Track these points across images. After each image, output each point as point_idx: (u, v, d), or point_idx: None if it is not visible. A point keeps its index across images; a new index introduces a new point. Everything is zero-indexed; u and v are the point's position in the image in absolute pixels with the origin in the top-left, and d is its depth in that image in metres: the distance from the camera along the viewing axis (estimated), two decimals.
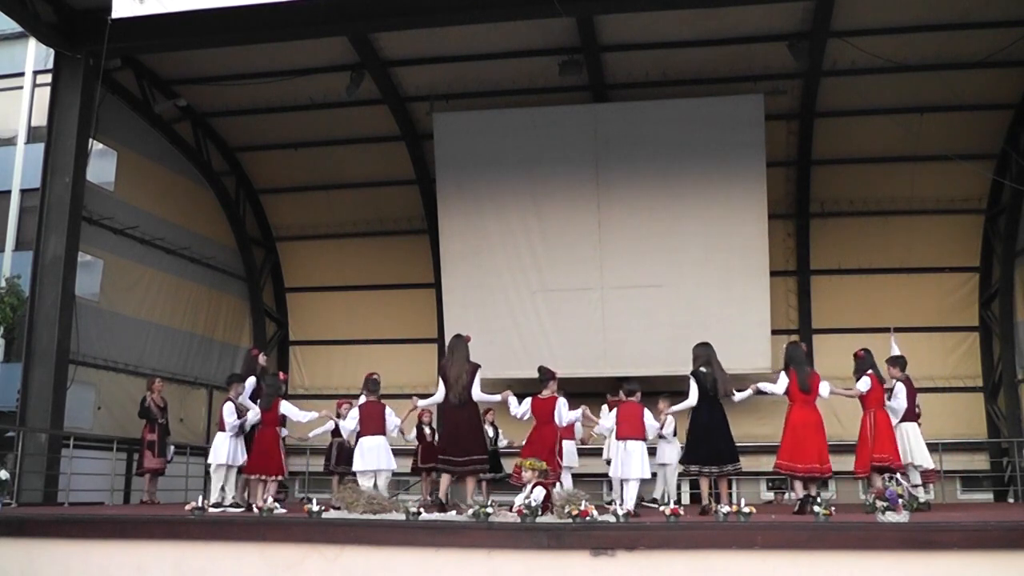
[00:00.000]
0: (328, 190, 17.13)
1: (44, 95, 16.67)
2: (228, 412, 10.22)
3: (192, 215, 16.06)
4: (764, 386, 9.80)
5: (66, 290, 12.35)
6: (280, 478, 10.14)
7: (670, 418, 11.04)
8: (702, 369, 9.66)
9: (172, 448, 12.66)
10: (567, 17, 11.96)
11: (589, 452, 12.10)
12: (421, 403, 10.18)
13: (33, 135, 22.97)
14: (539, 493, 8.07)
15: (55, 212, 12.48)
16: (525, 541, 6.82)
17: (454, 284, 15.71)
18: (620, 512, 7.10)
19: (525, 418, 9.87)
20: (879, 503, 6.66)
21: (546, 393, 9.76)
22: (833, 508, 7.09)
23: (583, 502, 7.16)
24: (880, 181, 15.48)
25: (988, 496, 15.01)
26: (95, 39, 11.83)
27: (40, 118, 20.86)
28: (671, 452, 11.07)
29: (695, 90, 14.61)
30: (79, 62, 12.58)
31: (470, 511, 7.34)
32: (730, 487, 10.61)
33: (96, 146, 13.45)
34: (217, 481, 10.12)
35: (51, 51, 13.13)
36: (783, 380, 9.64)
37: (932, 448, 14.39)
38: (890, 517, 6.60)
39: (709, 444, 9.47)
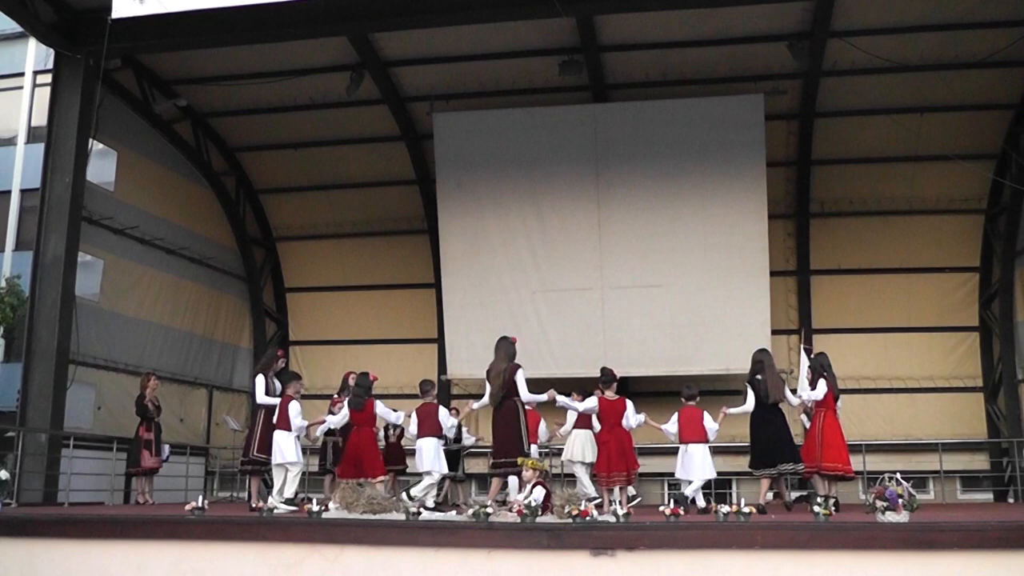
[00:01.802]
0: (328, 190, 17.13)
1: (44, 95, 16.66)
2: (295, 412, 9.84)
3: (192, 215, 16.07)
4: (808, 397, 10.08)
5: (66, 290, 12.35)
6: (382, 479, 9.88)
7: None
8: (757, 376, 9.83)
9: (167, 448, 12.64)
10: (567, 17, 11.95)
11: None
12: (475, 405, 10.07)
13: (33, 135, 22.95)
14: (539, 493, 8.07)
15: (55, 212, 12.48)
16: (525, 541, 6.82)
17: (454, 284, 15.71)
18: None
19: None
20: (879, 503, 6.66)
21: (610, 394, 9.82)
22: (833, 508, 7.09)
23: (583, 502, 7.16)
24: (880, 181, 15.49)
25: (988, 496, 15.00)
26: (95, 39, 11.86)
27: (40, 118, 20.84)
28: None
29: (695, 90, 14.62)
30: (79, 62, 12.58)
31: (470, 511, 7.34)
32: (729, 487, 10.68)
33: (96, 146, 13.45)
34: (292, 481, 9.77)
35: (51, 51, 13.14)
36: (822, 387, 9.93)
37: (932, 448, 14.56)
38: (890, 517, 6.59)
39: (774, 447, 9.69)
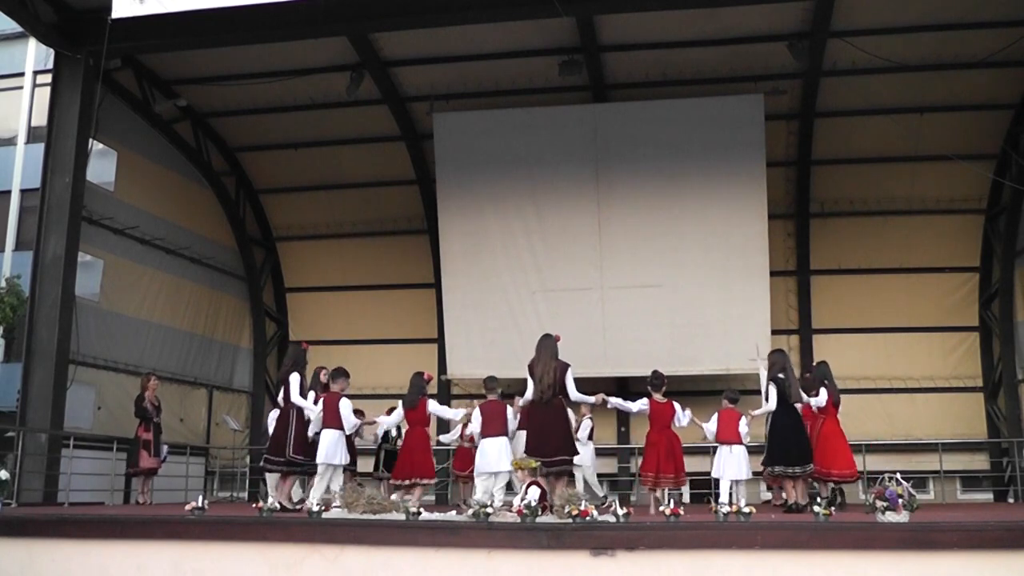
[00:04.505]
0: (328, 190, 17.14)
1: (44, 95, 16.67)
2: (348, 409, 9.55)
3: (192, 215, 16.07)
4: (814, 400, 10.27)
5: (66, 290, 12.35)
6: (430, 482, 9.68)
7: (586, 421, 11.55)
8: (780, 375, 9.90)
9: (166, 448, 12.63)
10: (567, 17, 11.95)
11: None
12: (522, 401, 9.86)
13: (33, 135, 22.96)
14: (534, 492, 8.05)
15: (55, 212, 12.48)
16: (525, 541, 6.81)
17: (454, 284, 15.71)
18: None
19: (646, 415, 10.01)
20: (879, 503, 6.66)
21: (659, 397, 9.89)
22: (833, 508, 7.09)
23: (583, 502, 7.16)
24: (880, 181, 15.49)
25: (988, 496, 15.01)
26: (95, 39, 11.86)
27: (40, 118, 20.84)
28: (586, 454, 11.24)
29: (695, 90, 14.62)
30: (79, 62, 12.58)
31: (470, 511, 7.34)
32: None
33: (96, 146, 13.45)
34: (323, 482, 9.44)
35: (51, 51, 13.13)
36: (824, 395, 10.23)
37: (932, 448, 14.57)
38: (890, 517, 6.59)
39: (793, 446, 9.77)
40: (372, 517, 7.74)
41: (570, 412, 9.86)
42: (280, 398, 10.35)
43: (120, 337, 14.11)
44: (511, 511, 7.40)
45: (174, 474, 13.47)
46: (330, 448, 9.50)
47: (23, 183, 22.89)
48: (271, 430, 10.55)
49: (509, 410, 9.87)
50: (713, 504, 7.19)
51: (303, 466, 9.92)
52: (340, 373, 9.94)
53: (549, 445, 9.23)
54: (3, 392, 20.26)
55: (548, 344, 9.50)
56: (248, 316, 17.64)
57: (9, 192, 23.19)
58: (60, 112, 12.70)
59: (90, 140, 13.00)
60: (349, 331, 17.53)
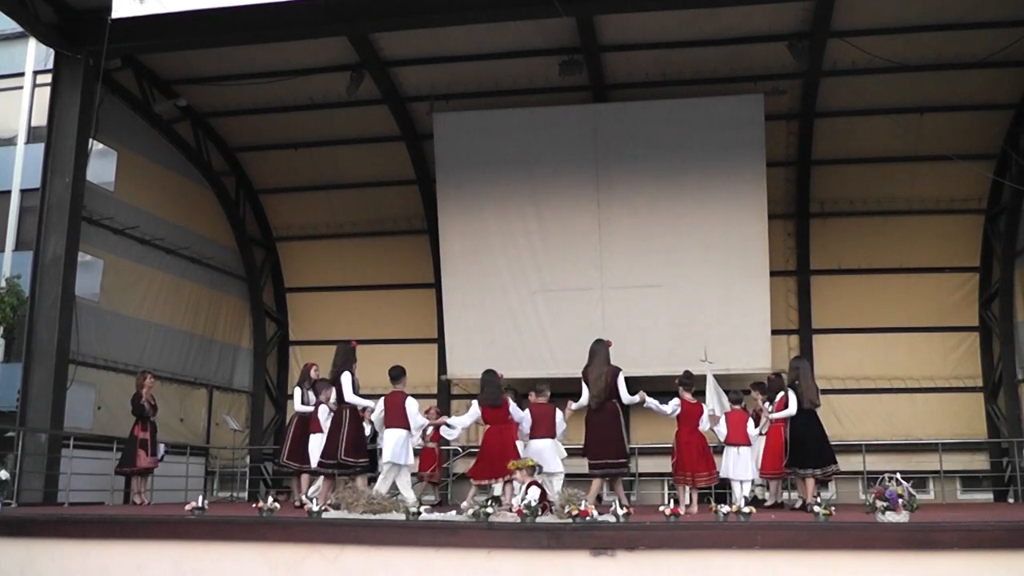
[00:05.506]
0: (328, 190, 17.13)
1: (44, 95, 16.66)
2: (416, 409, 9.59)
3: (192, 215, 16.06)
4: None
5: (66, 290, 12.35)
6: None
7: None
8: (796, 381, 10.10)
9: (163, 447, 12.61)
10: (567, 17, 11.95)
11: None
12: (574, 405, 10.06)
13: (33, 135, 22.95)
14: (534, 492, 8.07)
15: (55, 212, 12.48)
16: (525, 541, 6.82)
17: (454, 284, 15.71)
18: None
19: (675, 415, 10.08)
20: (879, 503, 6.66)
21: (689, 397, 9.99)
22: (833, 508, 7.10)
23: (583, 502, 7.17)
24: (880, 181, 15.48)
25: (988, 496, 15.01)
26: (95, 39, 11.87)
27: (40, 118, 20.84)
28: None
29: (695, 90, 14.61)
30: (79, 62, 12.59)
31: (470, 511, 7.35)
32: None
33: (96, 146, 13.45)
34: (386, 482, 9.43)
35: (51, 51, 13.14)
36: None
37: (932, 448, 14.58)
38: (890, 517, 6.60)
39: (813, 448, 9.98)
40: (372, 517, 7.75)
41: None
42: (323, 398, 10.42)
43: (120, 337, 14.11)
44: (511, 511, 7.41)
45: (174, 474, 13.47)
46: (396, 448, 9.48)
47: (23, 183, 22.88)
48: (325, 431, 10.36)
49: (559, 413, 9.95)
50: (713, 504, 7.20)
51: (353, 468, 9.83)
52: (402, 372, 9.93)
53: (609, 449, 9.31)
54: (3, 392, 20.25)
55: (601, 349, 9.68)
56: (248, 316, 17.63)
57: (9, 192, 23.18)
58: (60, 112, 12.70)
59: (90, 140, 13.00)
60: (349, 331, 17.38)
